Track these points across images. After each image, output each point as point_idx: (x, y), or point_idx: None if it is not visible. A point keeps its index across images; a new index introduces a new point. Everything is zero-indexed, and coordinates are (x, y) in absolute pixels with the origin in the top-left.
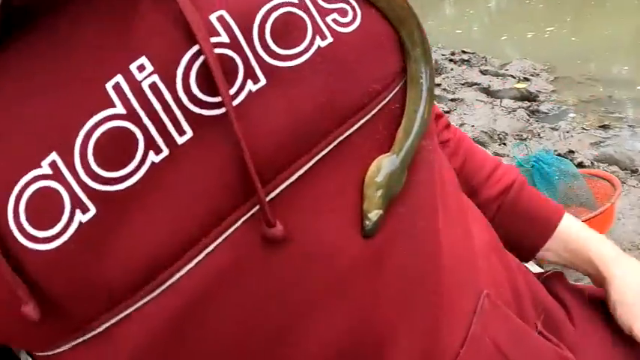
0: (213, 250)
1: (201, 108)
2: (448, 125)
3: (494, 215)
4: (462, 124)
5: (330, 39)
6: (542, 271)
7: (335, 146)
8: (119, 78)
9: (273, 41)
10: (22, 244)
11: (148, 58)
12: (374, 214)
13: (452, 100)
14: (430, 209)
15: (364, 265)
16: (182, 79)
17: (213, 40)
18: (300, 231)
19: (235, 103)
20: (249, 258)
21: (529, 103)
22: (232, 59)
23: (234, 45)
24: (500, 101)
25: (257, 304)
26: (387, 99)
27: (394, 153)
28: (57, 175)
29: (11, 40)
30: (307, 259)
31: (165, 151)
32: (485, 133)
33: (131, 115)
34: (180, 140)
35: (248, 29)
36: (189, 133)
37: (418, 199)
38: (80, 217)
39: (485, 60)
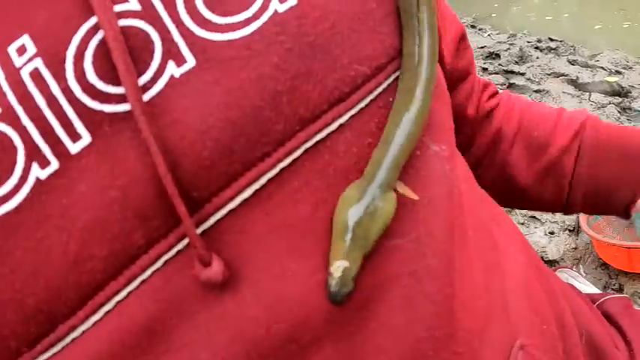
0: (125, 297)
1: (102, 102)
2: (494, 94)
3: (573, 170)
4: None
5: (292, 1)
6: (599, 292)
7: (301, 156)
8: None
9: (207, 5)
10: None
11: (32, 37)
12: (337, 268)
13: (536, 91)
14: (445, 240)
15: (337, 325)
16: (74, 62)
17: (119, 8)
18: (248, 277)
19: (150, 94)
20: (178, 310)
21: (620, 99)
22: (145, 33)
23: (149, 14)
24: (589, 95)
25: None
26: (382, 86)
27: (365, 180)
28: None
29: None
30: (260, 313)
31: (54, 164)
32: None
33: (7, 115)
34: (74, 148)
35: None
36: (87, 139)
37: (428, 225)
38: None
39: (574, 49)
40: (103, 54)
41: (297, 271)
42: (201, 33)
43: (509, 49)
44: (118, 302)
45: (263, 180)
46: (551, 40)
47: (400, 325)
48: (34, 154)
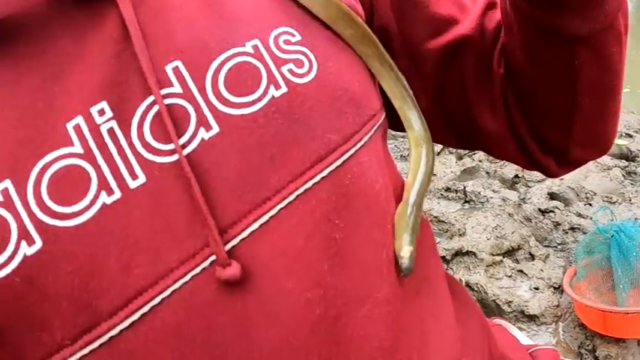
0: (159, 303)
1: (154, 155)
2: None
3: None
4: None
5: (284, 89)
6: (533, 344)
7: (294, 201)
8: (79, 119)
9: (227, 89)
10: None
11: (109, 104)
12: (406, 251)
13: None
14: (393, 282)
15: (318, 336)
16: (137, 127)
17: (167, 90)
18: (254, 292)
19: (187, 150)
20: (200, 316)
21: (627, 163)
22: (184, 108)
23: (187, 95)
24: None
25: None
26: (351, 150)
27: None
28: (7, 203)
29: None
30: (262, 319)
31: (117, 194)
32: (572, 189)
33: (87, 155)
34: (133, 184)
35: (201, 78)
36: (142, 179)
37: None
38: (25, 250)
39: None
40: (156, 121)
41: (291, 290)
42: (223, 108)
43: None
44: (153, 306)
45: (266, 217)
46: None
47: (362, 338)
48: (103, 185)
